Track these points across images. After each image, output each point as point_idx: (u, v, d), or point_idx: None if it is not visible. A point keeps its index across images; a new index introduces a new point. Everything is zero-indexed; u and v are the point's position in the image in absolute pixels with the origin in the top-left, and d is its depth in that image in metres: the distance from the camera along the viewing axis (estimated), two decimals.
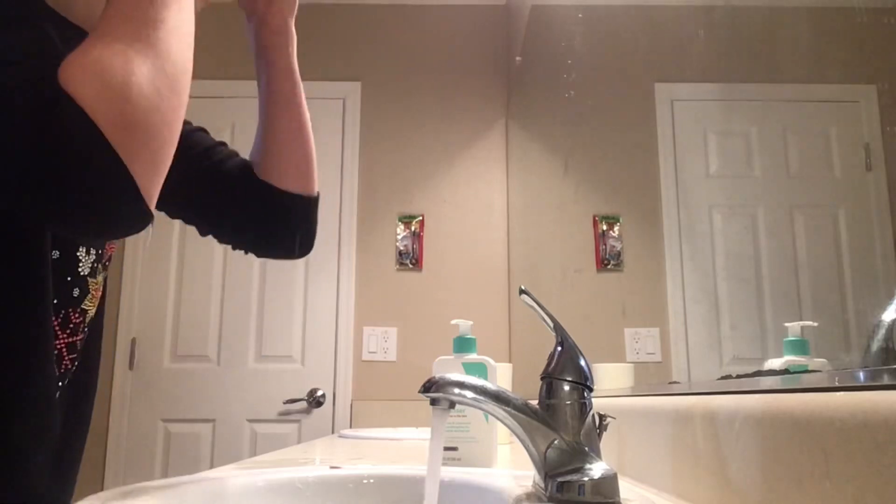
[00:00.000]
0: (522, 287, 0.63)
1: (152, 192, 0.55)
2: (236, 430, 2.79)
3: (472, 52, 3.13)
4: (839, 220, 0.54)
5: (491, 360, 0.99)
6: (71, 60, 0.51)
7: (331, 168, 3.02)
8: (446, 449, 0.95)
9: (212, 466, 2.76)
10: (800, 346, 0.56)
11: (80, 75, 0.50)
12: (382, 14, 3.15)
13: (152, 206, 0.56)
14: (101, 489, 0.62)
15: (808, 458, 0.42)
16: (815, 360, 0.55)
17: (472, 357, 1.00)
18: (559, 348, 0.60)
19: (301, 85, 0.94)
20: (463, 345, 1.01)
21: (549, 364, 0.60)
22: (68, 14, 0.71)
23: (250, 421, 2.81)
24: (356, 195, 3.00)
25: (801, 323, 0.57)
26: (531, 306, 0.62)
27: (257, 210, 0.92)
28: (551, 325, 0.61)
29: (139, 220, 0.56)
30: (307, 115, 0.95)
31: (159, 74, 0.54)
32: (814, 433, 0.42)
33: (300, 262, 2.93)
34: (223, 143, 0.97)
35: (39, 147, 0.49)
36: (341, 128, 3.05)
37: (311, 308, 2.90)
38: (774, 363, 0.58)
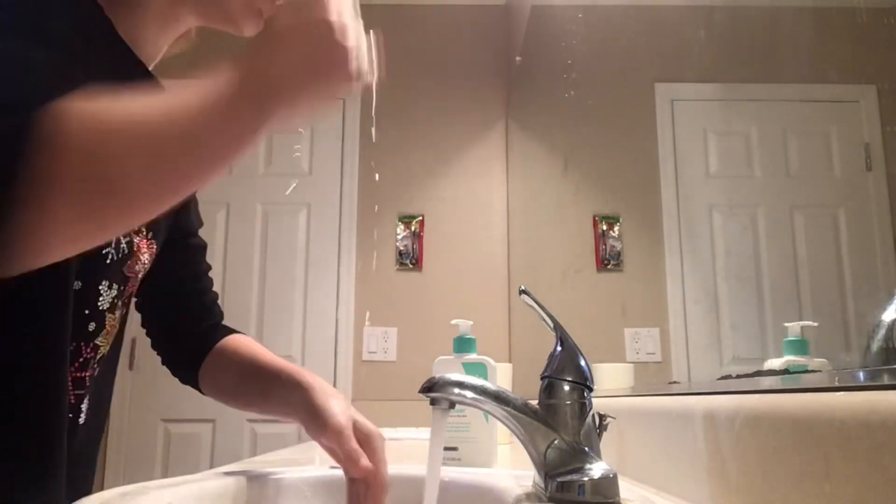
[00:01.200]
0: (522, 287, 0.63)
1: (69, 242, 0.52)
2: (236, 430, 2.79)
3: (472, 52, 3.13)
4: (839, 220, 0.54)
5: (491, 360, 0.99)
6: (84, 105, 0.49)
7: (331, 168, 3.02)
8: (446, 449, 0.95)
9: (212, 466, 2.76)
10: (800, 346, 0.56)
11: (76, 117, 0.49)
12: (382, 14, 3.15)
13: (63, 253, 0.53)
14: (101, 489, 0.62)
15: (808, 458, 0.42)
16: (815, 360, 0.55)
17: (472, 357, 1.00)
18: (559, 348, 0.60)
19: None
20: (463, 345, 1.01)
21: (549, 364, 0.60)
22: (137, 47, 0.70)
23: (250, 421, 2.81)
24: (356, 195, 3.00)
25: (801, 323, 0.57)
26: (531, 306, 0.62)
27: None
28: (551, 324, 0.61)
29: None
30: None
31: (144, 171, 0.51)
32: (814, 433, 0.42)
33: (300, 261, 2.93)
34: (209, 268, 0.95)
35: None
36: (341, 128, 3.05)
37: (311, 308, 2.90)
38: (774, 363, 0.58)
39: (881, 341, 0.46)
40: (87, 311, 0.71)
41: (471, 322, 1.04)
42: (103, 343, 0.75)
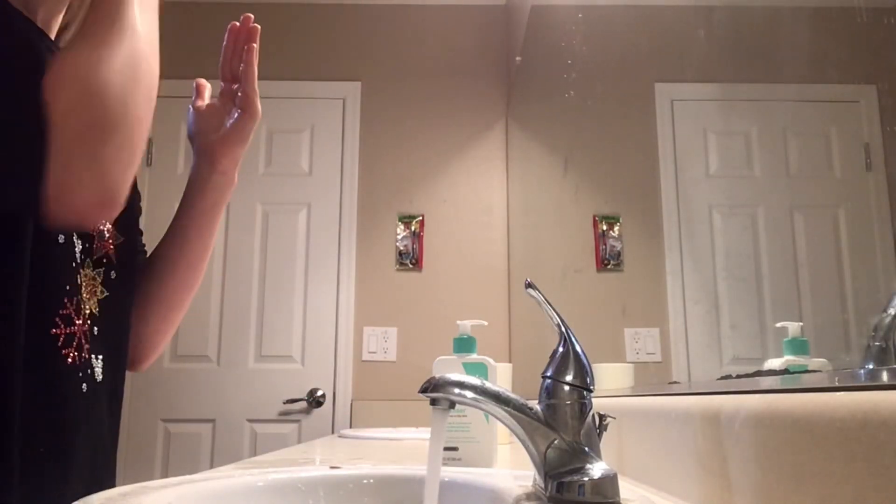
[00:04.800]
0: (529, 280, 0.63)
1: (122, 185, 0.63)
2: (236, 430, 2.79)
3: (472, 52, 3.13)
4: (839, 220, 0.54)
5: (491, 360, 0.99)
6: (54, 68, 0.59)
7: (331, 168, 3.02)
8: (446, 449, 0.95)
9: (212, 466, 2.76)
10: (800, 346, 0.56)
11: (58, 83, 0.58)
12: (382, 14, 3.15)
13: (120, 197, 0.63)
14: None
15: (808, 458, 0.42)
16: (815, 360, 0.55)
17: (473, 357, 1.00)
18: (561, 348, 0.60)
19: (215, 230, 0.95)
20: (463, 345, 1.01)
21: (550, 363, 0.60)
22: (32, 16, 0.76)
23: (250, 421, 2.81)
24: (356, 195, 3.00)
25: (786, 323, 0.56)
26: (537, 301, 0.61)
27: None
28: (556, 321, 0.61)
29: (99, 211, 0.63)
30: (203, 266, 0.95)
31: (131, 80, 0.62)
32: (814, 433, 0.42)
33: (300, 261, 2.93)
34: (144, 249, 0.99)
35: (15, 147, 0.59)
36: (341, 128, 3.05)
37: (311, 308, 2.90)
38: (774, 363, 0.58)
39: (881, 341, 0.46)
40: (73, 265, 0.75)
41: (471, 322, 1.04)
42: (87, 297, 0.78)
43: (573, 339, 0.60)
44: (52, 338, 0.71)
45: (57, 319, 0.72)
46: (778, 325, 0.57)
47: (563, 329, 0.61)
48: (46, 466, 0.70)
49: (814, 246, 0.57)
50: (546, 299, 0.61)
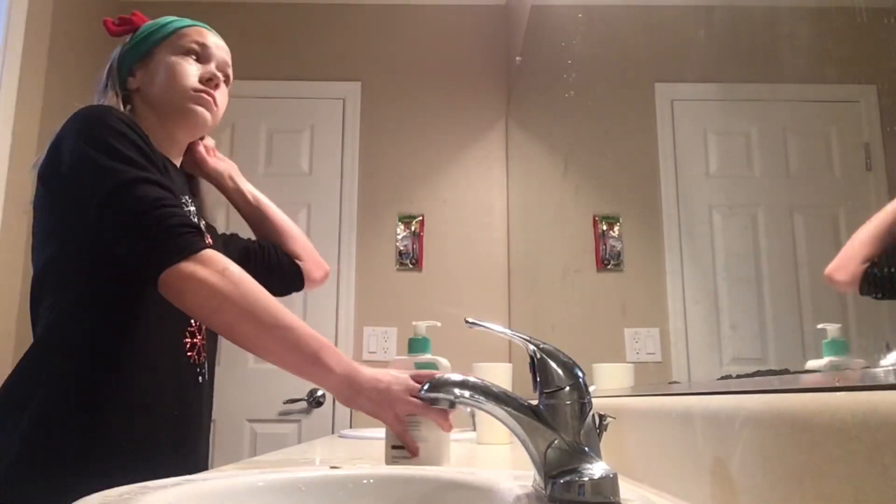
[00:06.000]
0: (468, 319, 0.62)
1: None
2: (236, 430, 2.79)
3: (472, 52, 3.13)
4: (839, 220, 0.54)
5: (444, 361, 1.05)
6: (208, 266, 0.93)
7: (331, 168, 3.02)
8: (395, 447, 0.94)
9: (212, 466, 2.75)
10: (840, 347, 0.55)
11: (197, 278, 0.92)
12: (382, 14, 3.15)
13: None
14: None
15: (808, 458, 0.42)
16: (854, 360, 0.54)
17: (426, 357, 1.05)
18: (536, 359, 0.58)
19: (266, 203, 1.49)
20: (417, 345, 1.06)
21: (535, 379, 0.59)
22: (169, 155, 1.15)
23: (250, 421, 2.81)
24: (356, 195, 3.00)
25: (826, 325, 0.56)
26: (486, 328, 0.61)
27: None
28: (513, 336, 0.60)
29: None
30: (285, 221, 1.50)
31: (239, 324, 0.93)
32: (814, 433, 0.42)
33: None
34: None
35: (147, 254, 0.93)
36: (341, 128, 3.05)
37: (311, 308, 2.90)
38: (816, 364, 0.58)
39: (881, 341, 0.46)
40: None
41: (427, 323, 1.10)
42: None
43: (543, 345, 0.59)
44: (183, 345, 1.07)
45: (186, 333, 1.08)
46: (819, 326, 0.57)
47: (527, 340, 0.59)
48: (165, 435, 1.05)
49: (814, 246, 0.57)
50: (490, 325, 0.61)
